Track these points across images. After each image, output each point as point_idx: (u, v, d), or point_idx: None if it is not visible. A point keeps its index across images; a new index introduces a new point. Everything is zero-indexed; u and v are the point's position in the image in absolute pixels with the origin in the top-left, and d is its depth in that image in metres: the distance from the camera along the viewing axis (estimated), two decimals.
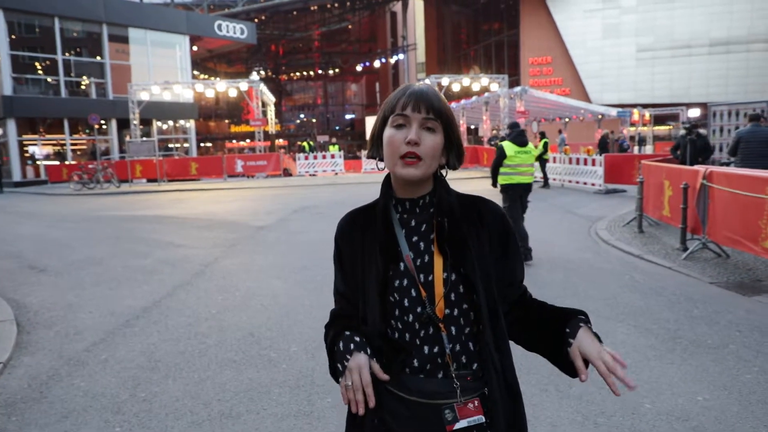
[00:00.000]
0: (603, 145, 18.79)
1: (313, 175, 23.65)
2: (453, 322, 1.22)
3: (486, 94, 27.21)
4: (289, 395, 3.48)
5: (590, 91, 38.69)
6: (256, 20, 43.46)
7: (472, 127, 38.52)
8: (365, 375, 1.17)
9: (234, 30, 32.12)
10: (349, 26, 57.45)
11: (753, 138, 7.89)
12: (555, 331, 1.29)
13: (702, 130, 10.10)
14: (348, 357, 1.21)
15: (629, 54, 38.84)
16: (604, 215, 10.64)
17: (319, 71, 55.38)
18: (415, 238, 1.27)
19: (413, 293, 1.22)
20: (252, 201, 15.02)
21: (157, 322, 4.93)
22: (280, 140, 50.14)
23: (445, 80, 26.56)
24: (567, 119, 33.62)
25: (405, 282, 1.23)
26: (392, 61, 50.11)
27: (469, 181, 19.30)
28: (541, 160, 17.19)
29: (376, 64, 46.36)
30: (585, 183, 16.21)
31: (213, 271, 6.81)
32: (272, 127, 28.07)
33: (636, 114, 31.25)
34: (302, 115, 61.28)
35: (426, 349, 1.22)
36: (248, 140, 48.62)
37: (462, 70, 46.24)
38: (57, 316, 5.24)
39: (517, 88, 25.05)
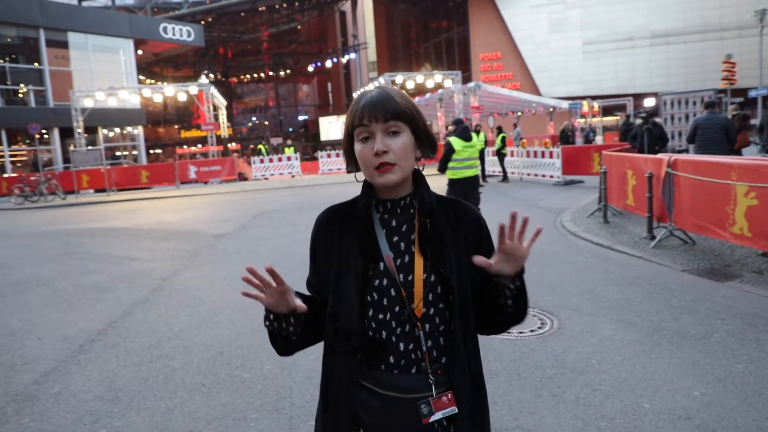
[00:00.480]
0: (565, 137, 19.02)
1: (267, 178, 23.11)
2: (428, 320, 1.25)
3: (440, 90, 27.27)
4: (267, 420, 3.20)
5: (540, 85, 39.44)
6: (202, 22, 42.33)
7: (428, 123, 38.64)
8: (260, 275, 1.28)
9: (180, 32, 31.10)
10: (299, 27, 56.72)
11: (710, 125, 8.04)
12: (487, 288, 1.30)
13: (658, 119, 10.28)
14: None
15: (576, 48, 39.76)
16: (566, 207, 10.70)
17: (270, 73, 54.42)
18: (395, 239, 1.29)
19: (392, 293, 1.24)
20: (208, 208, 14.48)
21: (115, 346, 4.54)
22: (233, 144, 49.09)
23: (399, 78, 26.47)
24: (520, 113, 34.13)
25: (384, 281, 1.25)
26: (344, 60, 49.73)
27: (430, 179, 19.23)
28: (500, 154, 17.32)
29: (328, 64, 45.89)
30: (543, 175, 16.38)
31: (173, 285, 6.40)
32: (225, 130, 27.32)
33: (586, 105, 32.02)
34: (254, 118, 60.12)
35: (402, 346, 1.25)
36: (200, 145, 47.29)
37: (413, 68, 46.40)
38: (0, 345, 4.76)
39: (471, 84, 25.21)
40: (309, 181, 21.42)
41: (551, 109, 30.96)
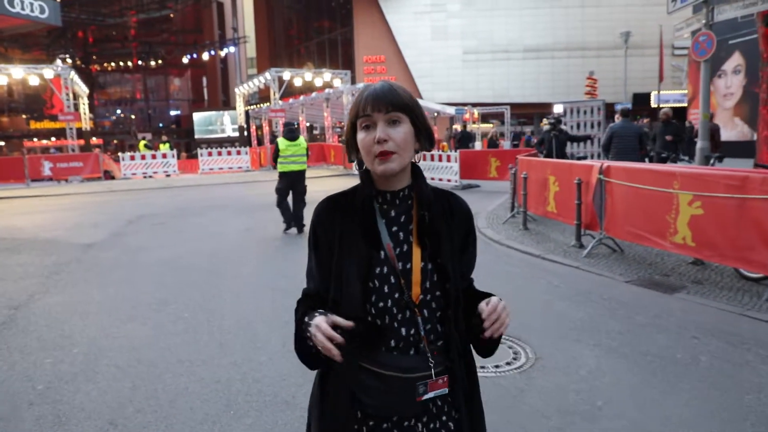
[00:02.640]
0: (465, 140, 18.86)
1: (151, 176, 20.71)
2: (426, 306, 1.31)
3: (327, 90, 26.47)
4: None
5: (422, 90, 40.16)
6: None
7: (315, 124, 37.70)
8: (324, 327, 1.20)
9: (31, 7, 26.93)
10: (171, 15, 52.71)
11: (626, 133, 8.10)
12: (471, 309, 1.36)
13: (563, 126, 10.36)
14: (311, 320, 1.25)
15: (456, 56, 41.07)
16: (475, 212, 10.39)
17: (139, 62, 49.78)
18: (394, 228, 1.33)
19: (392, 280, 1.29)
20: (71, 211, 12.29)
21: None
22: (95, 138, 44.25)
23: (286, 74, 25.23)
24: None
25: (385, 269, 1.29)
26: (222, 54, 46.94)
27: (320, 180, 18.33)
28: None
29: (205, 56, 42.90)
30: (441, 179, 16.22)
31: (30, 316, 4.90)
32: (86, 123, 24.16)
33: (468, 113, 33.06)
34: (119, 111, 54.79)
35: (403, 331, 1.29)
36: (54, 138, 41.98)
37: (295, 66, 45.12)
38: None
39: (360, 85, 24.74)
40: (188, 181, 19.46)
41: (435, 114, 31.50)
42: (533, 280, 5.73)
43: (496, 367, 3.63)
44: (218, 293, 5.44)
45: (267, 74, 25.63)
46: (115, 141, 49.89)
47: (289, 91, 29.74)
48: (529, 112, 42.26)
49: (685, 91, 38.87)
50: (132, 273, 6.40)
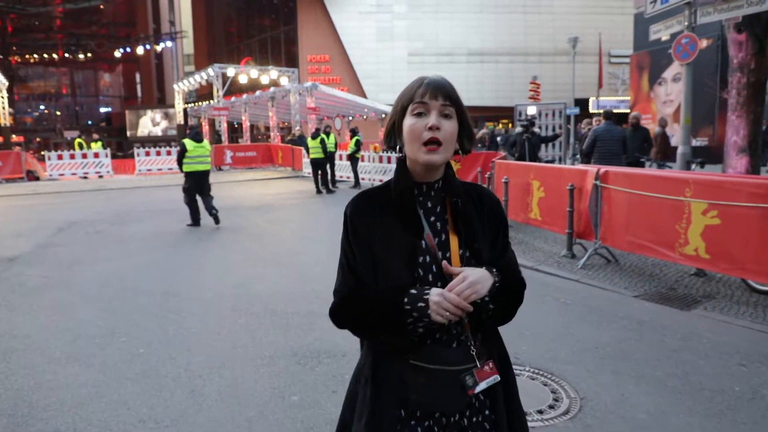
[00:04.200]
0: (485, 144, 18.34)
1: (88, 177, 18.96)
2: None
3: (272, 88, 25.39)
4: None
5: (367, 91, 39.67)
6: None
7: (260, 123, 36.32)
8: (449, 296, 1.22)
9: None
10: (101, 6, 49.56)
11: (609, 137, 7.77)
12: None
13: (536, 129, 10.01)
14: (425, 296, 1.25)
15: (402, 57, 40.82)
16: None
17: (65, 55, 46.33)
18: (432, 219, 1.35)
19: (434, 269, 1.31)
20: None
21: None
22: (14, 136, 40.91)
23: (230, 70, 23.97)
24: (351, 117, 33.72)
25: (427, 259, 1.31)
26: (159, 48, 44.46)
27: (270, 183, 17.36)
28: (353, 158, 16.18)
29: (140, 50, 40.37)
30: None
31: None
32: (5, 118, 21.98)
33: None
34: (42, 107, 50.96)
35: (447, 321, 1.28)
36: None
37: (235, 64, 43.47)
38: None
39: (308, 84, 23.89)
40: (124, 182, 17.95)
41: (383, 115, 31.02)
42: (536, 296, 5.19)
43: (540, 412, 3.03)
44: (178, 320, 4.57)
45: (210, 70, 24.29)
46: (38, 139, 46.35)
47: (230, 90, 28.42)
48: (473, 116, 42.47)
49: (622, 98, 40.44)
50: (67, 294, 5.38)
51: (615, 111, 32.07)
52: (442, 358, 1.28)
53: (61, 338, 4.19)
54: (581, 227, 6.37)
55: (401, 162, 1.37)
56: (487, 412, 1.33)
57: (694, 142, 21.41)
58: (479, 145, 11.17)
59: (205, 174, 9.21)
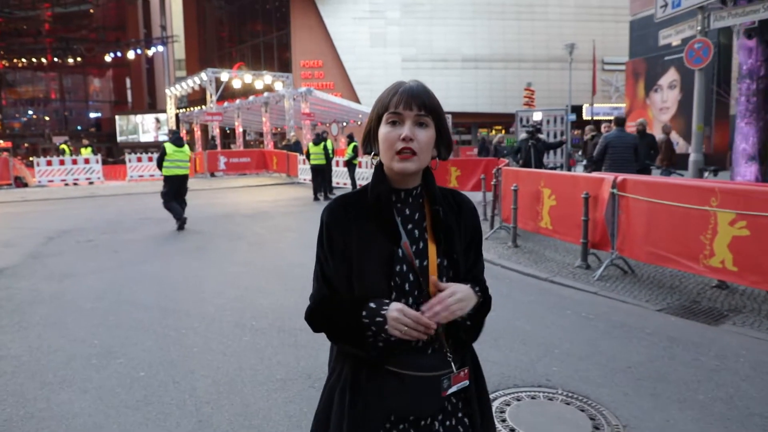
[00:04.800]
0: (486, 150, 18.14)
1: (48, 185, 18.51)
2: None
3: (266, 94, 25.11)
4: None
5: (361, 97, 39.53)
6: None
7: (249, 129, 35.99)
8: (409, 312, 1.21)
9: None
10: (91, 10, 49.10)
11: (620, 143, 7.57)
12: None
13: (541, 135, 9.82)
14: (383, 311, 1.24)
15: (395, 63, 40.73)
16: None
17: (54, 59, 45.75)
18: (409, 226, 1.34)
19: (411, 278, 1.29)
20: None
21: None
22: (2, 141, 40.36)
23: (224, 75, 23.68)
24: (345, 123, 33.50)
25: (404, 267, 1.29)
26: (150, 53, 44.03)
27: (265, 189, 17.06)
28: (350, 164, 15.94)
29: (131, 55, 39.91)
30: None
31: None
32: None
33: None
34: (31, 112, 50.29)
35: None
36: None
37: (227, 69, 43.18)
38: None
39: (302, 89, 23.67)
40: (115, 189, 17.58)
41: None
42: (556, 310, 4.95)
43: None
44: (179, 338, 4.28)
45: (203, 75, 23.97)
46: (26, 144, 45.72)
47: (223, 95, 28.10)
48: (467, 122, 42.51)
49: (615, 105, 40.54)
50: (59, 310, 5.06)
51: (607, 118, 32.06)
52: (420, 364, 1.28)
53: (53, 359, 3.88)
54: (597, 237, 6.15)
55: (379, 166, 1.35)
56: (460, 414, 1.35)
57: (688, 149, 21.39)
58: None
59: (183, 178, 9.40)
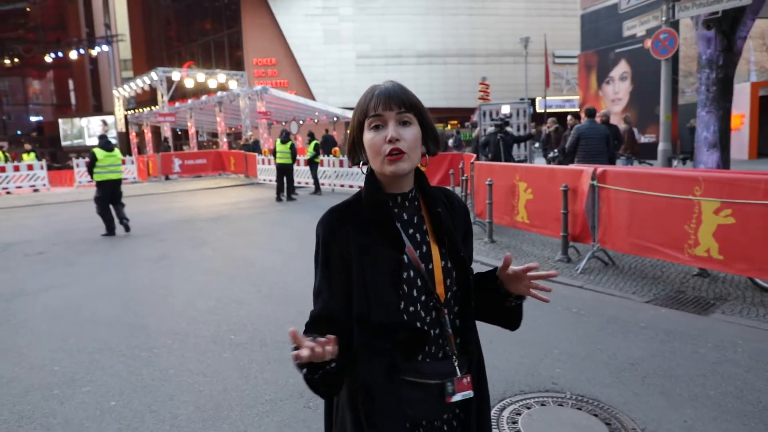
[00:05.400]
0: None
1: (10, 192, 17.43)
2: (448, 305, 1.29)
3: (219, 93, 24.39)
4: None
5: (316, 94, 39.08)
6: None
7: (202, 130, 34.96)
8: (302, 341, 1.10)
9: None
10: (28, 8, 46.64)
11: (592, 134, 7.55)
12: (488, 286, 1.38)
13: (509, 128, 9.75)
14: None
15: (350, 60, 40.44)
16: None
17: None
18: (411, 231, 1.31)
19: (419, 283, 1.26)
20: None
21: None
22: None
23: (175, 75, 22.83)
24: (302, 121, 32.97)
25: (411, 273, 1.26)
26: (94, 53, 42.11)
27: (224, 191, 16.50)
28: (312, 163, 15.58)
29: (73, 55, 38.05)
30: (351, 186, 15.24)
31: None
32: None
33: None
34: None
35: (432, 333, 1.27)
36: None
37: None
38: None
39: (257, 87, 23.09)
40: (63, 196, 16.64)
41: (335, 119, 30.45)
42: (545, 306, 4.81)
43: None
44: (151, 359, 3.91)
45: (153, 74, 23.04)
46: None
47: (174, 95, 27.16)
48: None
49: (567, 97, 41.43)
50: (10, 334, 4.59)
51: (559, 110, 32.65)
52: (435, 371, 1.27)
53: (7, 392, 3.47)
54: (577, 230, 6.08)
55: (370, 174, 1.31)
56: (463, 415, 1.35)
57: (643, 139, 21.97)
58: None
59: (116, 183, 9.30)
